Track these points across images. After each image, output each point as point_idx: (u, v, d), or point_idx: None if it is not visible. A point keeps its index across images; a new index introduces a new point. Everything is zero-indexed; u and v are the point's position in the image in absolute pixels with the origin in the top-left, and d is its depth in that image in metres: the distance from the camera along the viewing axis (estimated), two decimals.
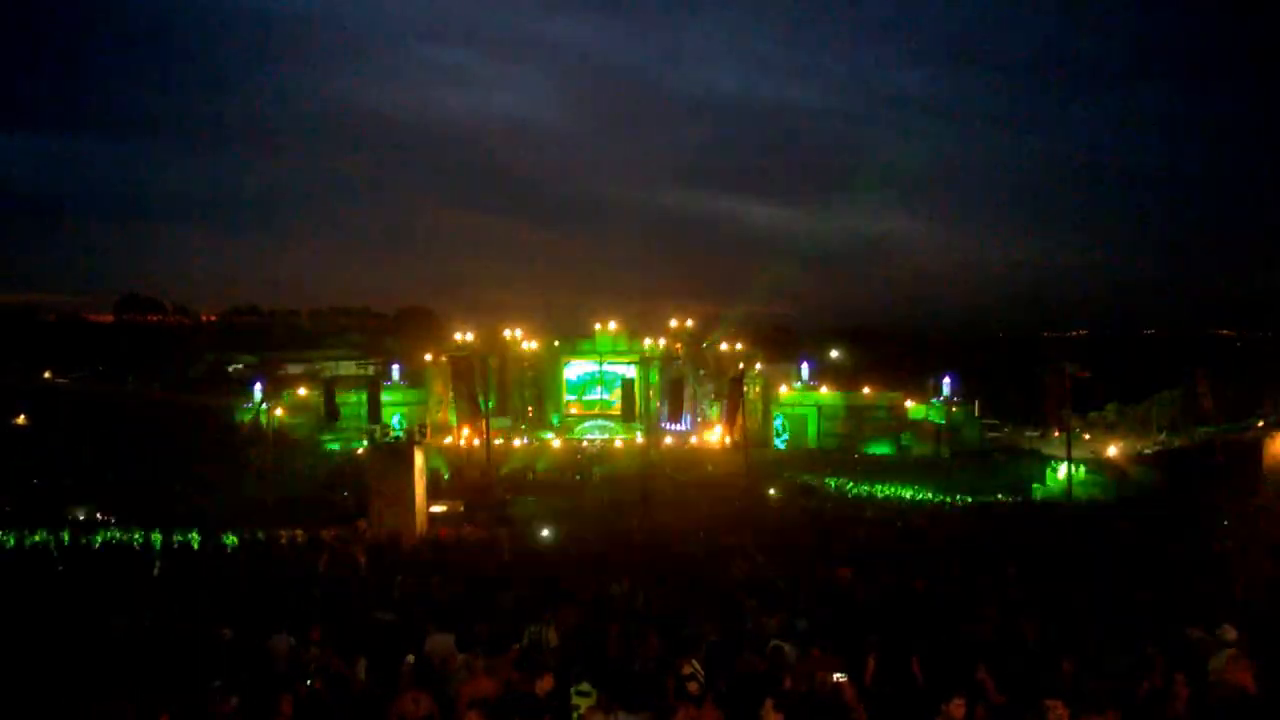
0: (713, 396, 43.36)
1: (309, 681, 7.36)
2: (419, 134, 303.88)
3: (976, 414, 43.50)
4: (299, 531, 21.38)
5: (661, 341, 43.71)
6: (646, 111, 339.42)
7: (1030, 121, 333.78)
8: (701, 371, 44.02)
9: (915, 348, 67.77)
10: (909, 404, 42.60)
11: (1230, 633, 8.02)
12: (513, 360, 44.57)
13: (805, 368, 44.26)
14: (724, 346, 43.67)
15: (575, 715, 6.66)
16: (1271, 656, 7.04)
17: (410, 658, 7.89)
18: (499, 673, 7.47)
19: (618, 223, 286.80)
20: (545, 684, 6.99)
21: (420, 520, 24.35)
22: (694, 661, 7.35)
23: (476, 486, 30.80)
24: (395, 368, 47.39)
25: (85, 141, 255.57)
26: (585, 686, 6.77)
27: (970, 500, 30.28)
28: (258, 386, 34.51)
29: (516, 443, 42.42)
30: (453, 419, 41.70)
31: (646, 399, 43.41)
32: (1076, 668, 7.30)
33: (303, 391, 43.24)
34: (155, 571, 14.70)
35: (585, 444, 42.50)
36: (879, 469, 36.81)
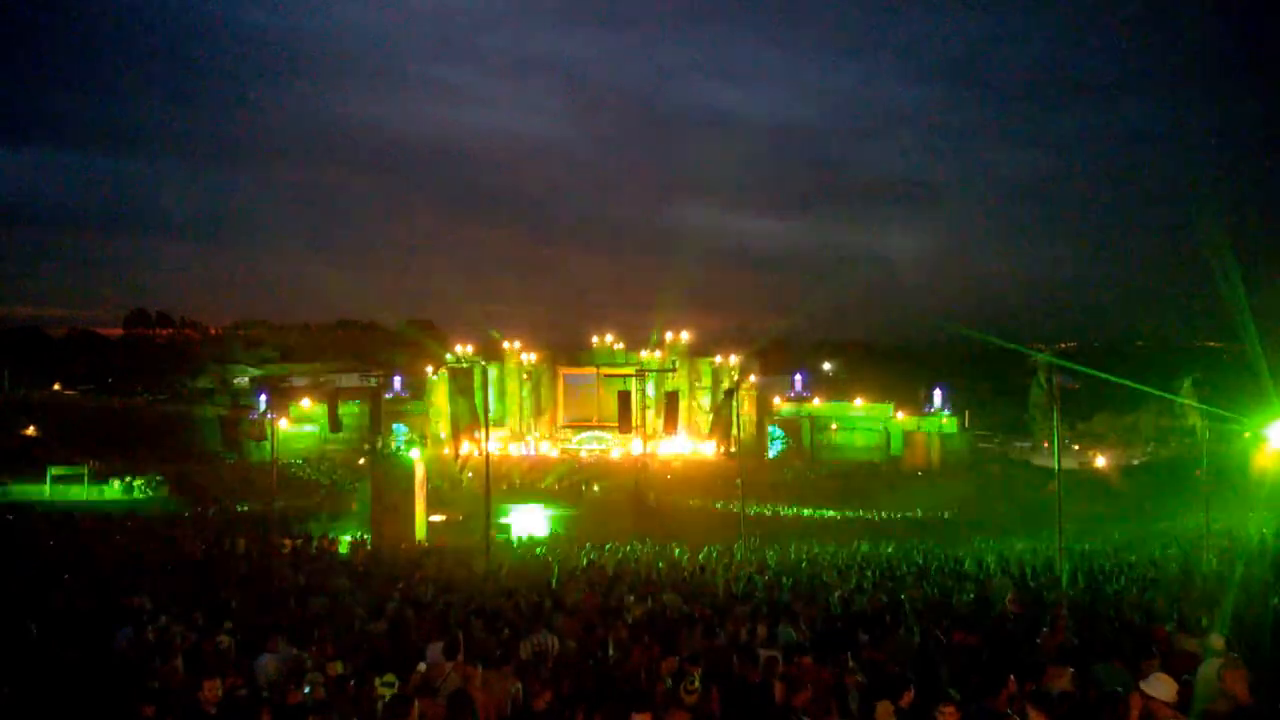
0: (707, 408, 44.08)
1: (308, 690, 7.39)
2: (423, 150, 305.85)
3: (967, 425, 44.13)
4: (300, 540, 22.09)
5: (658, 354, 44.39)
6: (647, 127, 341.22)
7: (1024, 137, 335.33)
8: (697, 383, 44.72)
9: (907, 360, 68.36)
10: (900, 415, 43.25)
11: (1218, 641, 8.01)
12: (513, 372, 45.34)
13: (799, 379, 44.97)
14: (719, 359, 44.38)
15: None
16: (1260, 665, 7.05)
17: (422, 666, 7.88)
18: (497, 685, 7.50)
19: (617, 237, 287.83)
20: (545, 698, 7.03)
21: (420, 529, 25.10)
22: (684, 666, 7.52)
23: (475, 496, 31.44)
24: (397, 379, 48.17)
25: (93, 157, 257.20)
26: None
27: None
28: (263, 398, 35.26)
29: (515, 453, 43.22)
30: (448, 428, 42.40)
31: (643, 410, 44.14)
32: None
33: (307, 403, 44.05)
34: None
35: (583, 455, 43.26)
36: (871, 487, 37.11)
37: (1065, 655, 8.25)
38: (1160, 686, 6.38)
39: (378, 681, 7.10)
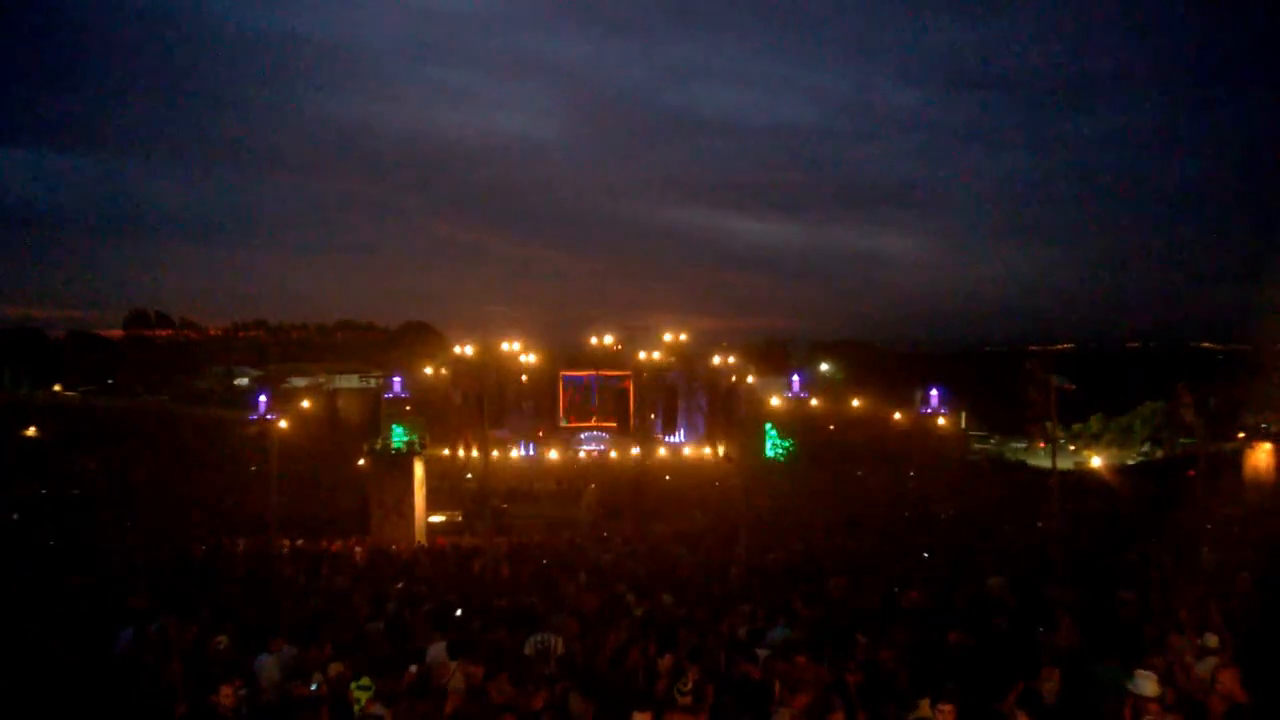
0: (706, 409, 44.20)
1: (314, 687, 7.40)
2: (423, 152, 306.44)
3: (963, 426, 44.20)
4: (300, 541, 22.26)
5: (656, 354, 44.48)
6: (646, 130, 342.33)
7: (1020, 139, 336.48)
8: (695, 384, 44.82)
9: (904, 360, 68.56)
10: (896, 416, 43.32)
11: (1213, 640, 8.12)
12: (511, 373, 45.43)
13: (796, 380, 45.03)
14: (717, 360, 44.46)
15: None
16: (1254, 664, 7.09)
17: (414, 668, 7.91)
18: (497, 685, 7.45)
19: (616, 237, 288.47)
20: (541, 698, 7.06)
21: (419, 530, 25.27)
22: (683, 663, 7.58)
23: (474, 497, 31.63)
24: (397, 380, 48.24)
25: (93, 159, 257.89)
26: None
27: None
28: (262, 399, 35.32)
29: (514, 454, 43.33)
30: (447, 429, 42.51)
31: (642, 411, 44.28)
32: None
33: (306, 404, 44.13)
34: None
35: (581, 455, 43.38)
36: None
37: (1061, 655, 8.34)
38: (1145, 684, 6.53)
39: (353, 686, 7.11)
